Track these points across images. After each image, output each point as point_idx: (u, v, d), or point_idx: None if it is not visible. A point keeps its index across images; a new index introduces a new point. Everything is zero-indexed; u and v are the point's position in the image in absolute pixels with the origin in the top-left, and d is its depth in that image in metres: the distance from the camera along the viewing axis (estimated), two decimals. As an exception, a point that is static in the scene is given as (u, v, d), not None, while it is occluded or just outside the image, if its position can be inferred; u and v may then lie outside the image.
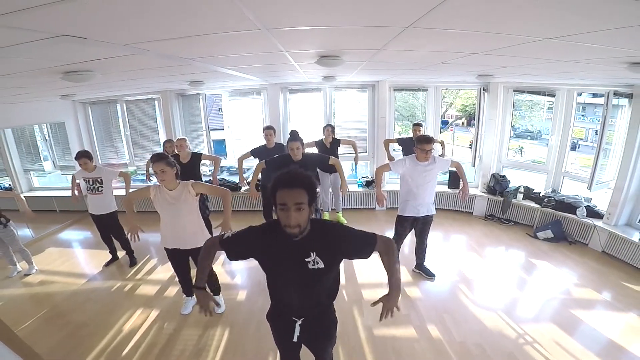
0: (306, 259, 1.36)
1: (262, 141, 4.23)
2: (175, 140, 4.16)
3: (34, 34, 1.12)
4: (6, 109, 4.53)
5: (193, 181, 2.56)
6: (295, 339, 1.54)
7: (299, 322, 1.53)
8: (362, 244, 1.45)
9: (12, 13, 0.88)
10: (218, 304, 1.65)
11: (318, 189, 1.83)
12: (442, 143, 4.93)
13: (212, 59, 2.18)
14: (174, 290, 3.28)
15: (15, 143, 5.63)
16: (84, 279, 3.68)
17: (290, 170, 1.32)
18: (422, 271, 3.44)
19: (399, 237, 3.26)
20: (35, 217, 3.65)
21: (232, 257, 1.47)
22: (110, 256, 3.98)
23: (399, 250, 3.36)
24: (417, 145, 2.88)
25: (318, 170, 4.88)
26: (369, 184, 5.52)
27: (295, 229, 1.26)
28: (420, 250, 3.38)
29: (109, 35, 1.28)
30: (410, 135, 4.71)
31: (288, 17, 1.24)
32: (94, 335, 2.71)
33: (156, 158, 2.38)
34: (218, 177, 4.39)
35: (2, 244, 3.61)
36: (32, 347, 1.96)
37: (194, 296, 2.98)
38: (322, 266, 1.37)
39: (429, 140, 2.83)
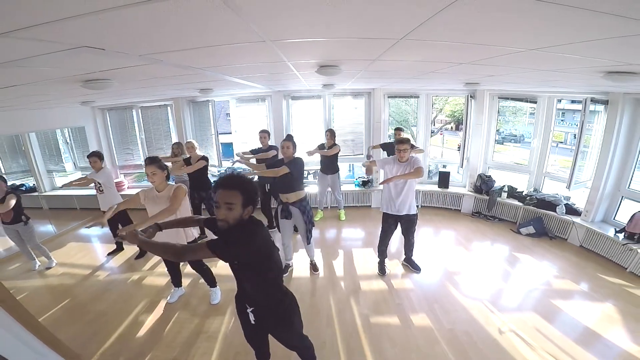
0: None
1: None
2: (185, 143, 4.17)
3: (57, 45, 1.13)
4: (31, 114, 4.54)
5: (181, 185, 2.52)
6: (252, 322, 1.58)
7: (250, 309, 1.56)
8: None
9: (37, 26, 0.89)
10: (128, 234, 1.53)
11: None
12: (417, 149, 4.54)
13: (221, 68, 2.18)
14: (183, 282, 3.27)
15: (39, 146, 5.60)
16: (103, 271, 3.69)
17: (232, 173, 1.36)
18: (409, 264, 3.46)
19: (385, 233, 3.27)
20: None
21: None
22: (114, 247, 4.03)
23: (386, 247, 3.34)
24: (395, 146, 3.06)
25: (318, 170, 4.89)
26: (364, 183, 5.52)
27: (223, 224, 1.31)
28: (407, 246, 3.39)
29: (126, 46, 1.28)
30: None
31: (290, 30, 1.24)
32: (112, 323, 2.72)
33: (148, 161, 2.40)
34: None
35: (20, 240, 3.60)
36: (55, 334, 1.97)
37: (182, 287, 3.03)
38: (236, 262, 1.41)
39: (402, 141, 2.99)
